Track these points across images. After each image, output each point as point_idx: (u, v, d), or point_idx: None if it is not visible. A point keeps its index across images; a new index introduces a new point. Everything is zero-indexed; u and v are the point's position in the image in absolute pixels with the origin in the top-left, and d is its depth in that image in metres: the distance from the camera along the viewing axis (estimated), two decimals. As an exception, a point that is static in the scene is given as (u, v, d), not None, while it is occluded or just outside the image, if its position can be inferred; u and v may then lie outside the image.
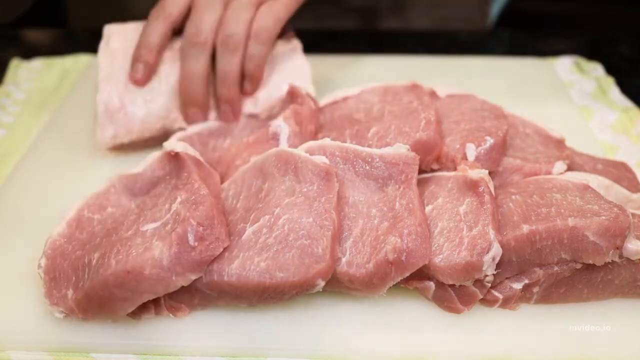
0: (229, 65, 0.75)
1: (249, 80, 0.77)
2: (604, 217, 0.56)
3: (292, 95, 0.74)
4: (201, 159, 0.66)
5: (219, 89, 0.77)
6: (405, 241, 0.54)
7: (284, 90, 0.77)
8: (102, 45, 0.80)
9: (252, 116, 0.79)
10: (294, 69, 0.80)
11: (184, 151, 0.64)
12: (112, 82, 0.76)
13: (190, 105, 0.77)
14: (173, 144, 0.65)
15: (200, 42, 0.75)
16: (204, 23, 0.75)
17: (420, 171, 0.64)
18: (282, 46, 0.81)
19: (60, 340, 0.58)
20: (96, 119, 0.76)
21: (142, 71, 0.76)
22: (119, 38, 0.80)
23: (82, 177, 0.76)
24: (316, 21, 1.17)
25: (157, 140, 0.78)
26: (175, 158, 0.64)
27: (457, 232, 0.57)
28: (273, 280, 0.54)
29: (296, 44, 0.82)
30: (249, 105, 0.79)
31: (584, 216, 0.56)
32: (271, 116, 0.78)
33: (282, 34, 0.82)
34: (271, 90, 0.79)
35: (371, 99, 0.74)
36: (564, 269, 0.58)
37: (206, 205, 0.57)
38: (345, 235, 0.58)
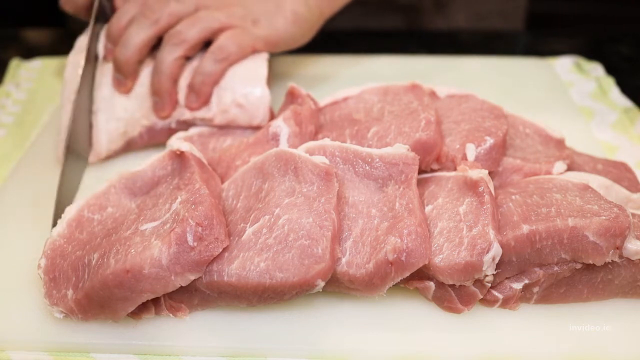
0: (166, 55, 0.75)
1: (195, 95, 0.76)
2: (604, 217, 0.56)
3: (292, 96, 0.74)
4: (204, 160, 0.66)
5: (151, 79, 0.76)
6: (405, 241, 0.54)
7: (237, 93, 0.76)
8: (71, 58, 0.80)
9: (206, 120, 0.77)
10: (249, 71, 0.77)
11: (189, 151, 0.64)
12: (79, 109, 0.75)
13: (118, 70, 0.76)
14: (178, 144, 0.64)
15: (152, 18, 0.76)
16: (167, 7, 0.76)
17: (420, 171, 0.63)
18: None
19: (60, 340, 0.58)
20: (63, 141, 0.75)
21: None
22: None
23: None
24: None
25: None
26: (179, 157, 0.64)
27: (457, 232, 0.57)
28: (273, 281, 0.54)
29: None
30: (202, 109, 0.77)
31: (584, 216, 0.56)
32: (226, 120, 0.76)
33: None
34: (223, 94, 0.77)
35: (371, 99, 0.74)
36: (564, 269, 0.58)
37: (205, 205, 0.57)
38: (345, 235, 0.58)
